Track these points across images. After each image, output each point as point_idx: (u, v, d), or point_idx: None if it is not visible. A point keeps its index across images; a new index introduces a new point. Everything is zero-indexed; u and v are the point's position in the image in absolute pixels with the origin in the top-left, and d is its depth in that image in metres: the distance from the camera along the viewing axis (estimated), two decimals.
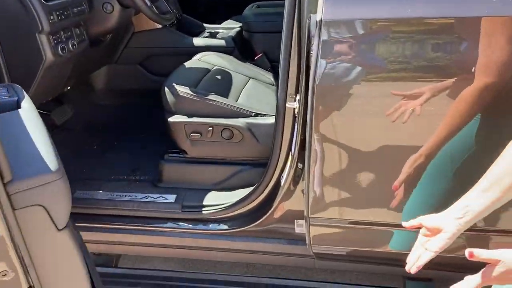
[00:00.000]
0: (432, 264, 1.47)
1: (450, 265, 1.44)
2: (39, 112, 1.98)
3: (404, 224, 0.96)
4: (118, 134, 2.02)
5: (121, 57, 2.10)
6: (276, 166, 1.39)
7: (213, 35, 2.20)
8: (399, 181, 1.19)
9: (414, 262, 0.88)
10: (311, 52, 1.11)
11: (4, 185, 0.58)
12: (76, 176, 1.74)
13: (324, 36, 1.06)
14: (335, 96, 1.17)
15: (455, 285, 0.80)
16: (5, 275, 0.59)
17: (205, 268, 1.91)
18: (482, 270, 0.76)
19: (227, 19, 2.45)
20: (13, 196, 0.60)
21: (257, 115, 1.57)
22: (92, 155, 1.90)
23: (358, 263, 1.50)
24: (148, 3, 1.61)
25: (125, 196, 1.61)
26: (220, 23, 2.43)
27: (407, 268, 0.90)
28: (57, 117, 1.94)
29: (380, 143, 1.20)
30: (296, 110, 1.26)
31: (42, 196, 0.61)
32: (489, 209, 0.81)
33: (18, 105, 0.88)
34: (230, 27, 2.37)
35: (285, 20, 1.21)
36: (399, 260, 1.37)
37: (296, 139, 1.29)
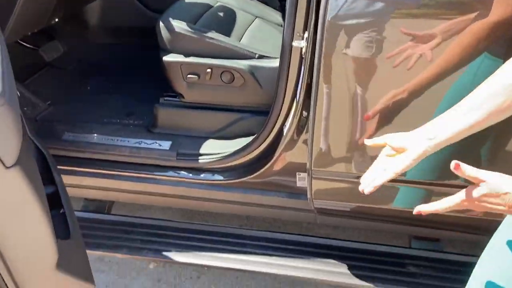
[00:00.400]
0: (439, 224, 1.39)
1: (457, 225, 1.35)
2: (25, 46, 1.85)
3: (366, 141, 0.86)
4: (112, 75, 1.89)
5: None
6: (279, 114, 1.27)
7: None
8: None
9: (370, 183, 0.78)
10: None
11: None
12: (66, 117, 1.65)
13: None
14: (348, 35, 1.03)
15: (436, 202, 0.70)
16: None
17: (204, 219, 1.85)
18: (464, 189, 0.68)
19: None
20: None
21: (261, 57, 1.43)
22: (84, 96, 1.79)
23: (362, 220, 1.41)
24: None
25: (118, 140, 1.52)
26: None
27: (360, 188, 0.80)
28: (47, 53, 1.81)
29: (395, 91, 1.07)
30: (303, 50, 1.12)
31: None
32: (464, 133, 0.73)
33: None
34: None
35: None
36: (405, 218, 1.28)
37: (302, 83, 1.16)
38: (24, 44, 1.77)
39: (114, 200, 1.64)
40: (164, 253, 1.44)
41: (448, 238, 1.54)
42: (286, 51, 1.17)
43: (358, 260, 1.38)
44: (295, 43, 1.13)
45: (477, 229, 1.28)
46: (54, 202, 0.96)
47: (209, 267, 1.42)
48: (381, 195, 1.24)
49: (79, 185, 1.53)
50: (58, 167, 1.48)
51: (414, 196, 1.25)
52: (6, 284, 0.60)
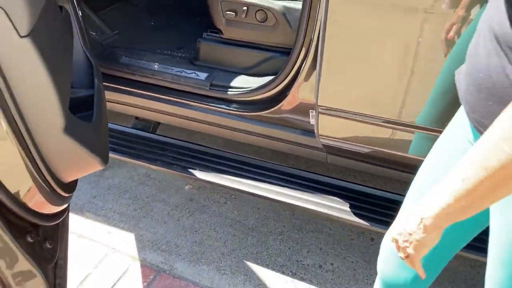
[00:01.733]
0: None
1: None
2: None
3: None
4: (176, 14, 2.09)
5: None
6: (299, 54, 1.35)
7: None
8: None
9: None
10: None
11: None
12: (127, 45, 1.89)
13: None
14: None
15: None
16: None
17: (235, 149, 2.00)
18: None
19: None
20: None
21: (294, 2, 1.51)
22: (146, 30, 2.01)
23: (370, 164, 1.47)
24: None
25: (164, 68, 1.71)
26: None
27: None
28: None
29: (399, 33, 1.10)
30: None
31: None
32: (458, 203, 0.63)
33: None
34: None
35: None
36: (412, 166, 1.32)
37: (317, 21, 1.23)
38: None
39: (157, 121, 1.86)
40: (190, 170, 1.63)
41: None
42: None
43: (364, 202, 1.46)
44: None
45: None
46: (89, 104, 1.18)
47: (230, 188, 1.58)
48: (384, 138, 1.30)
49: (130, 103, 1.77)
50: (115, 85, 1.73)
51: (418, 142, 1.27)
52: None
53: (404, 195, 0.99)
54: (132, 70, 1.72)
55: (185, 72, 1.68)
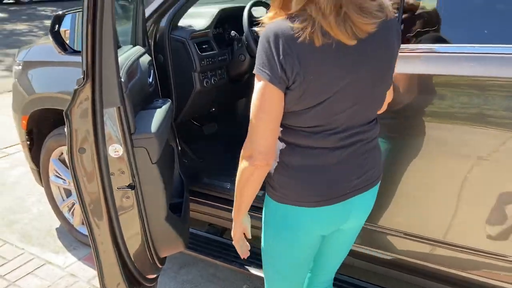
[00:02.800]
0: None
1: None
2: (194, 123, 2.85)
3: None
4: None
5: None
6: None
7: None
8: None
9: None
10: None
11: (130, 134, 1.28)
12: (209, 169, 2.52)
13: None
14: None
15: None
16: (123, 172, 1.28)
17: None
18: None
19: None
20: (134, 140, 1.28)
21: None
22: (224, 157, 2.66)
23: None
24: None
25: (232, 186, 2.27)
26: None
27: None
28: (206, 129, 2.79)
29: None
30: None
31: (145, 143, 1.28)
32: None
33: (159, 107, 1.63)
34: None
35: None
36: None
37: None
38: (193, 121, 2.78)
39: (225, 227, 2.37)
40: (247, 267, 2.07)
41: None
42: None
43: None
44: None
45: None
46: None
47: None
48: None
49: (206, 212, 2.32)
50: (196, 198, 2.32)
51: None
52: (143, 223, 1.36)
53: None
54: (209, 187, 2.30)
55: None
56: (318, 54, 1.05)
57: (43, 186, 2.86)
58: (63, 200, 2.78)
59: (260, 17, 2.61)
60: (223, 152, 2.73)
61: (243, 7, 2.49)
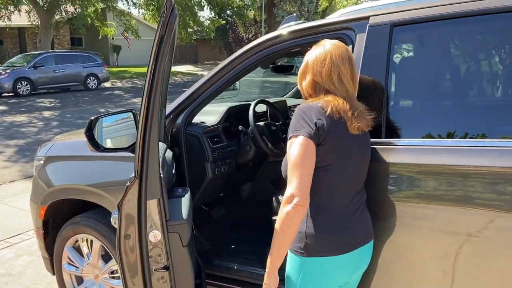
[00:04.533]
0: None
1: None
2: (202, 207, 3.05)
3: None
4: (255, 230, 2.90)
5: (260, 177, 3.10)
6: None
7: None
8: None
9: None
10: None
11: (166, 220, 1.48)
12: (219, 251, 2.67)
13: None
14: None
15: None
16: (160, 255, 1.45)
17: None
18: None
19: None
20: (169, 227, 1.47)
21: None
22: (231, 240, 2.83)
23: None
24: (269, 146, 2.59)
25: (254, 269, 2.40)
26: None
27: None
28: (214, 213, 2.99)
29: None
30: None
31: (178, 228, 1.48)
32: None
33: (183, 196, 1.85)
34: None
35: None
36: None
37: None
38: (202, 206, 2.98)
39: None
40: None
41: None
42: None
43: None
44: None
45: None
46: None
47: None
48: None
49: None
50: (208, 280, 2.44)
51: None
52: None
53: None
54: (220, 269, 2.44)
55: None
56: (338, 125, 1.49)
57: (54, 275, 2.94)
58: (74, 287, 2.85)
59: (262, 111, 2.97)
60: (230, 234, 2.91)
61: (247, 105, 2.84)
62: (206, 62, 36.65)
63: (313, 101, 1.54)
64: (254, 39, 2.41)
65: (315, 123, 1.46)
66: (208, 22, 28.45)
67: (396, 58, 1.77)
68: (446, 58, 1.80)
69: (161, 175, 1.47)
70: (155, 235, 1.43)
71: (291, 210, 1.39)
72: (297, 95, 4.08)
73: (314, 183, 1.47)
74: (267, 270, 1.49)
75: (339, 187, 1.53)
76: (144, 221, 1.40)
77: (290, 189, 1.42)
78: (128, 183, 1.41)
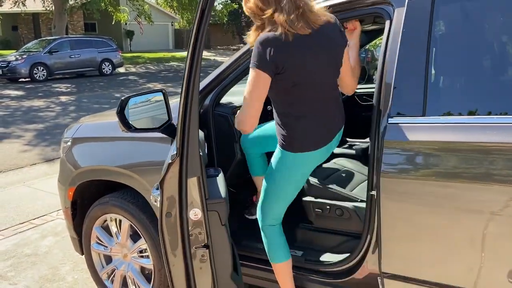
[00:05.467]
0: None
1: None
2: (229, 189, 3.03)
3: None
4: None
5: None
6: (366, 237, 2.01)
7: (351, 146, 3.01)
8: None
9: None
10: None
11: (206, 199, 1.47)
12: (246, 231, 2.67)
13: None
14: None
15: None
16: (200, 233, 1.45)
17: None
18: None
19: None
20: (208, 205, 1.47)
21: (362, 201, 2.25)
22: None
23: None
24: None
25: None
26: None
27: None
28: (241, 194, 2.98)
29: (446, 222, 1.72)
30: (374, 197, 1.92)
31: (217, 207, 1.47)
32: None
33: (217, 176, 1.84)
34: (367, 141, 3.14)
35: None
36: None
37: (376, 215, 1.93)
38: (230, 189, 2.96)
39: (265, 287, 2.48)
40: None
41: None
42: (368, 197, 1.98)
43: None
44: (372, 192, 1.94)
45: None
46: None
47: None
48: None
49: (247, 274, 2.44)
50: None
51: None
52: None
53: None
54: (247, 248, 2.44)
55: None
56: (292, 46, 1.73)
57: (82, 255, 2.98)
58: (103, 267, 2.88)
59: None
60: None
61: None
62: (218, 47, 36.47)
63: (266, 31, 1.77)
64: None
65: (270, 58, 1.71)
66: (221, 6, 28.20)
67: (438, 33, 1.71)
68: (492, 32, 1.74)
69: (200, 154, 1.46)
70: (195, 213, 1.43)
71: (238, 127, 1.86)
72: None
73: (289, 99, 1.85)
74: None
75: (312, 98, 1.85)
76: (185, 199, 1.39)
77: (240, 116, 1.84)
78: (170, 160, 1.40)
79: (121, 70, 19.92)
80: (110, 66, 18.21)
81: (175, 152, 1.39)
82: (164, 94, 2.09)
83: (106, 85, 15.23)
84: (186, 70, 1.41)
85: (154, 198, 1.55)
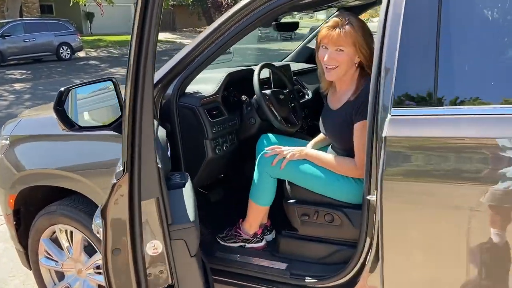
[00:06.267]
0: None
1: None
2: (200, 190, 2.69)
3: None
4: None
5: None
6: (363, 247, 1.72)
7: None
8: None
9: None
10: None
11: (168, 225, 1.13)
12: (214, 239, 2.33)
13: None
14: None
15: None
16: (161, 272, 1.11)
17: None
18: None
19: None
20: (172, 233, 1.13)
21: (354, 206, 1.94)
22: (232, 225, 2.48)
23: None
24: (278, 118, 2.22)
25: (251, 259, 2.10)
26: None
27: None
28: (212, 196, 2.63)
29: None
30: (373, 203, 1.61)
31: (184, 234, 1.13)
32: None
33: (183, 185, 1.48)
34: None
35: None
36: None
37: (375, 222, 1.62)
38: (201, 190, 2.61)
39: None
40: None
41: None
42: (364, 202, 1.67)
43: None
44: (369, 197, 1.64)
45: None
46: None
47: None
48: None
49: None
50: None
51: None
52: None
53: None
54: (224, 262, 2.11)
55: (267, 262, 2.05)
56: None
57: (30, 269, 2.59)
58: (55, 284, 2.53)
59: (265, 78, 2.57)
60: (232, 219, 2.56)
61: (249, 70, 2.43)
62: (184, 29, 35.41)
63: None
64: (234, 4, 2.04)
65: None
66: None
67: (450, 12, 1.39)
68: None
69: (159, 165, 1.09)
70: (154, 246, 1.07)
71: (347, 173, 1.91)
72: (297, 59, 3.68)
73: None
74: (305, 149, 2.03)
75: None
76: (138, 229, 1.03)
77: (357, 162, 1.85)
78: (115, 180, 1.02)
79: (81, 54, 18.91)
80: (68, 50, 17.25)
81: (121, 169, 1.02)
82: (114, 84, 1.70)
83: (64, 71, 14.37)
84: (132, 51, 1.01)
85: (96, 229, 1.18)
